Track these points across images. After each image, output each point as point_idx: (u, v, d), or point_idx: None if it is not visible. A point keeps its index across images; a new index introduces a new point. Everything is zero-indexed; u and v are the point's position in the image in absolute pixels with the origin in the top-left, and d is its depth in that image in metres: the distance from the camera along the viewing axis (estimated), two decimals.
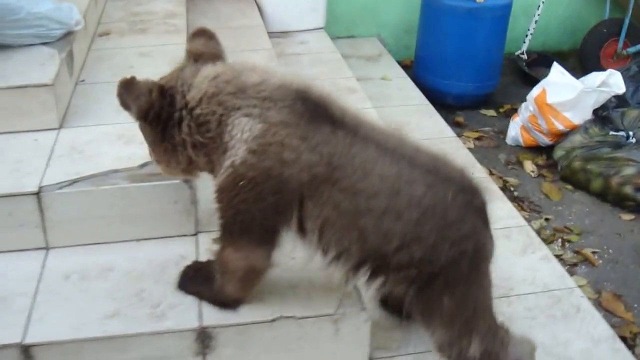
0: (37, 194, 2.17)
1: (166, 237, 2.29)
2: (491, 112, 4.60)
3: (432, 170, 1.72)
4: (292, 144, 1.69)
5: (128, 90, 1.75)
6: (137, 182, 2.22)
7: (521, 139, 4.16)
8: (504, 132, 4.31)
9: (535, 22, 4.84)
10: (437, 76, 4.54)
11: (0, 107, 2.48)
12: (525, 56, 4.97)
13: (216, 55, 1.88)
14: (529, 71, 4.89)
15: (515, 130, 4.18)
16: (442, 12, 4.40)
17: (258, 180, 1.71)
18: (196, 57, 1.85)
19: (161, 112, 1.77)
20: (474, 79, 4.52)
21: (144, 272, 2.14)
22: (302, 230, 1.79)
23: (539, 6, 4.78)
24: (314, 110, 1.72)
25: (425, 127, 3.84)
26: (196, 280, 2.05)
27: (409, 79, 4.43)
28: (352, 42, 4.89)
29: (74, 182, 2.21)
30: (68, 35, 2.91)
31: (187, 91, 1.77)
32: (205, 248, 2.25)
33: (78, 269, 2.15)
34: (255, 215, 1.77)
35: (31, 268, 2.16)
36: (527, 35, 4.90)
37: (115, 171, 2.26)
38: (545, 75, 4.70)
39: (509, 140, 4.23)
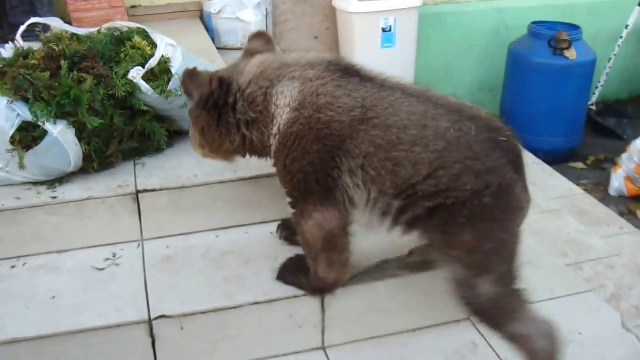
0: None
1: (441, 324, 2.22)
2: (580, 165, 4.66)
3: (456, 110, 1.82)
4: (327, 91, 1.83)
5: (192, 79, 1.91)
6: (416, 272, 2.15)
7: (625, 189, 4.21)
8: (601, 183, 4.36)
9: (607, 74, 4.96)
10: (527, 133, 4.57)
11: (232, 199, 2.39)
12: (594, 107, 5.08)
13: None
14: (602, 121, 5.00)
15: (618, 181, 4.23)
16: (533, 70, 4.46)
17: (301, 133, 1.83)
18: (252, 55, 2.03)
19: (218, 100, 1.92)
20: (564, 133, 4.59)
21: None
22: (352, 178, 1.84)
23: (610, 59, 4.92)
24: (344, 69, 1.91)
25: (553, 187, 3.86)
26: (296, 271, 2.10)
27: None
28: None
29: (353, 276, 2.12)
30: None
31: (239, 78, 1.94)
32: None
33: None
34: (308, 171, 1.84)
35: None
36: (597, 87, 5.02)
37: (386, 262, 2.18)
38: (614, 124, 4.89)
39: (612, 192, 4.27)
